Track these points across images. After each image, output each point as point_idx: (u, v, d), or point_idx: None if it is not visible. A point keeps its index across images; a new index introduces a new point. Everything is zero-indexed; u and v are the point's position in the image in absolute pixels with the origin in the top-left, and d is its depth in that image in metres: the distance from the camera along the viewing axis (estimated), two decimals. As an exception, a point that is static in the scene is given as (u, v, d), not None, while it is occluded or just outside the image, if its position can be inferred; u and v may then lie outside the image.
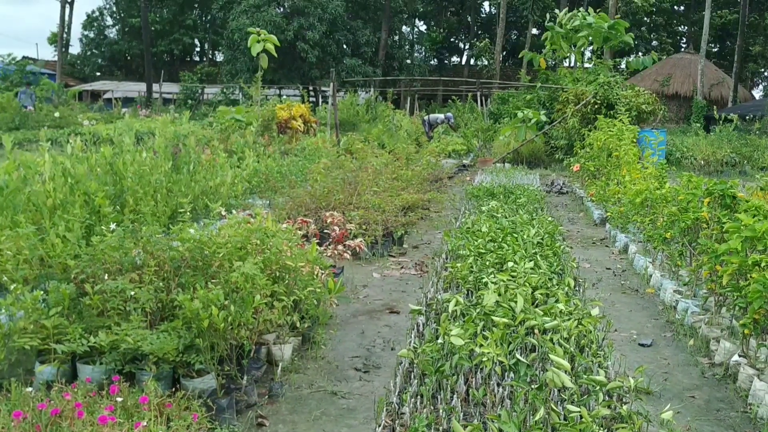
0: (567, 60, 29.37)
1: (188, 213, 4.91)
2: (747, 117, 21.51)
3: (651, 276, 6.72)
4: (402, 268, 7.17)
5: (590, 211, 10.83)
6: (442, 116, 22.76)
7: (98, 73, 49.68)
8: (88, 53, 49.58)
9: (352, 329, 5.28)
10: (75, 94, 32.32)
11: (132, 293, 3.83)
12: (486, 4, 52.84)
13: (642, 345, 5.06)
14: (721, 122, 19.62)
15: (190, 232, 4.39)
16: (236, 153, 12.04)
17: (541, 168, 17.58)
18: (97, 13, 49.51)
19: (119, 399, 3.26)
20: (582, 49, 20.65)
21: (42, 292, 3.81)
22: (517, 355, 3.82)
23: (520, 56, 22.12)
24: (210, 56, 53.00)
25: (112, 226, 4.43)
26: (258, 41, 16.53)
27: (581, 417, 3.06)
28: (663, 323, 5.59)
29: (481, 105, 27.75)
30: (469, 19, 51.75)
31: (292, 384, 4.23)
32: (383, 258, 7.51)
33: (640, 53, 42.63)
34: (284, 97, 26.74)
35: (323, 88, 34.70)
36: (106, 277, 3.94)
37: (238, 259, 4.27)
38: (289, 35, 31.33)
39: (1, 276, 4.42)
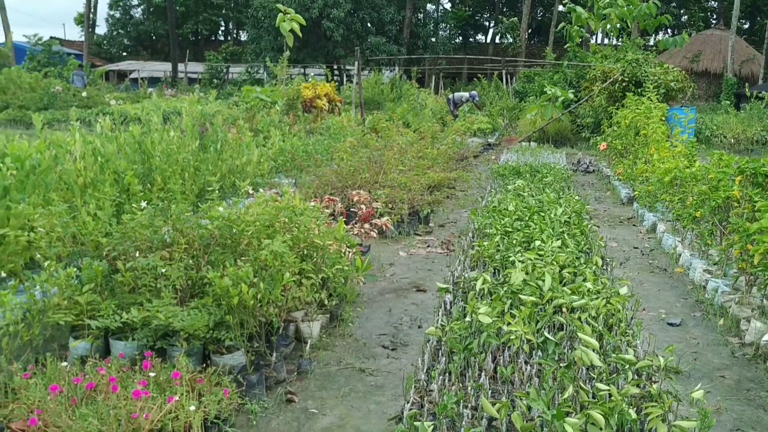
0: (595, 37, 28.95)
1: (216, 191, 4.93)
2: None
3: (680, 255, 6.66)
4: (428, 246, 7.17)
5: (617, 190, 10.74)
6: (467, 94, 22.58)
7: (124, 53, 49.95)
8: (114, 33, 49.81)
9: (380, 307, 5.30)
10: (102, 74, 32.53)
11: (163, 270, 3.87)
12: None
13: (671, 324, 5.02)
14: (752, 100, 19.27)
15: (219, 210, 4.42)
16: (262, 132, 12.08)
17: (568, 147, 17.45)
18: (123, -7, 49.65)
19: (152, 374, 3.31)
20: (612, 28, 20.32)
21: (75, 269, 3.86)
22: (546, 334, 3.82)
23: (558, 29, 21.63)
24: (234, 35, 53.02)
25: (143, 204, 4.48)
26: (284, 20, 16.49)
27: (610, 395, 3.05)
28: (692, 303, 5.54)
29: (507, 83, 27.50)
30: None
31: (320, 361, 4.27)
32: (409, 236, 7.51)
33: (669, 30, 41.99)
34: (310, 75, 26.71)
35: (348, 67, 34.62)
36: (137, 255, 3.99)
37: (266, 237, 4.30)
38: (314, 13, 31.19)
39: (35, 253, 4.50)
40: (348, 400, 3.79)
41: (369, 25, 34.70)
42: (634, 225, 8.57)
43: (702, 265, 6.03)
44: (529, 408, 3.27)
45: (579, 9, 20.89)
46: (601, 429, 2.84)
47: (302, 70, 33.96)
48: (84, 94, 24.10)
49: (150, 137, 6.91)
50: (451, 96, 22.64)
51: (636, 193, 9.30)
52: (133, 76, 40.02)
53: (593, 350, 3.54)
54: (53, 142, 6.18)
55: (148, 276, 3.84)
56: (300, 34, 17.00)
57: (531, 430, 2.88)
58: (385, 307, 5.31)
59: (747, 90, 21.03)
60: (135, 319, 3.60)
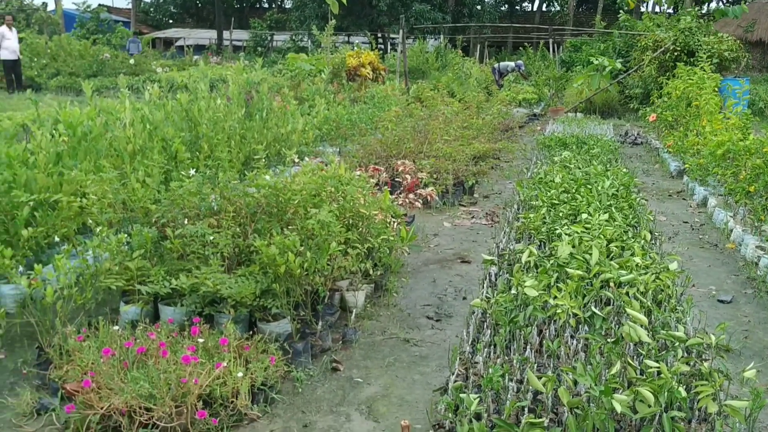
0: (647, 5, 28.19)
1: (263, 160, 4.96)
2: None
3: (731, 230, 6.50)
4: (473, 217, 7.13)
5: (666, 163, 10.51)
6: (512, 64, 22.26)
7: (170, 21, 50.26)
8: (161, 1, 50.12)
9: (424, 278, 5.30)
10: (148, 42, 32.82)
11: (211, 238, 3.91)
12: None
13: (721, 301, 4.93)
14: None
15: (266, 178, 4.44)
16: (307, 100, 12.08)
17: (615, 118, 17.10)
18: (170, -40, 49.83)
19: (200, 340, 3.36)
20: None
21: (126, 236, 3.92)
22: (593, 308, 3.77)
23: None
24: (279, 3, 52.93)
25: (192, 171, 4.52)
26: (330, -14, 16.37)
27: (659, 373, 3.01)
28: (743, 280, 5.42)
29: (553, 53, 26.99)
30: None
31: (365, 330, 4.29)
32: (454, 207, 7.47)
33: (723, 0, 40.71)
34: (354, 43, 26.57)
35: (392, 35, 34.32)
36: (185, 222, 4.03)
37: (312, 207, 4.31)
38: (359, -20, 30.93)
39: (87, 219, 4.59)
40: (392, 369, 3.81)
41: (414, -8, 34.30)
42: (683, 199, 8.39)
43: (755, 241, 5.88)
44: (576, 383, 3.25)
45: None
46: (649, 406, 2.81)
47: (347, 38, 33.84)
48: (132, 61, 24.38)
49: (197, 105, 6.96)
50: (496, 65, 22.35)
51: (686, 166, 9.09)
52: (179, 43, 40.30)
53: (642, 326, 3.50)
54: (103, 109, 6.26)
55: (197, 243, 3.88)
56: (345, 1, 16.88)
57: (578, 406, 2.86)
58: (430, 278, 5.30)
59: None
60: (184, 285, 3.66)
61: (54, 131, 5.52)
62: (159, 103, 6.52)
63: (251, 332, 3.79)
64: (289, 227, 4.22)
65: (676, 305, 4.09)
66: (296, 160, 5.90)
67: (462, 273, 5.46)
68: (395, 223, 5.05)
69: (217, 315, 3.93)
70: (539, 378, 3.07)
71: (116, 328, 3.56)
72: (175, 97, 6.73)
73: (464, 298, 4.89)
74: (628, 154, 11.66)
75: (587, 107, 17.49)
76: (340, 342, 4.08)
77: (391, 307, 4.69)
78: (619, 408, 2.73)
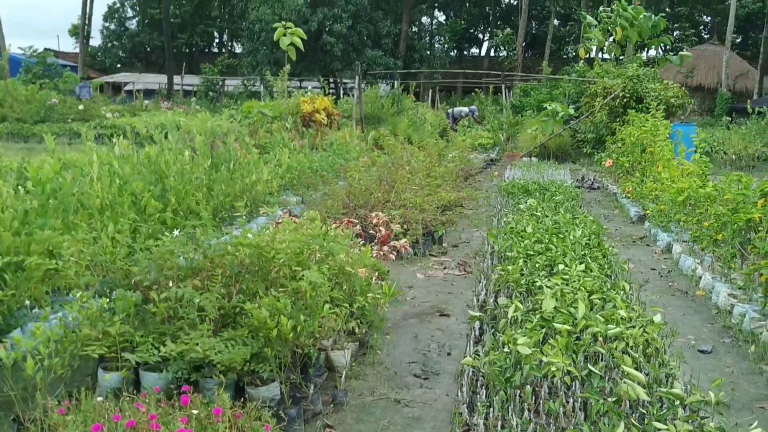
0: (595, 52, 29.01)
1: (243, 215, 4.86)
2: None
3: (700, 278, 6.61)
4: (445, 268, 7.10)
5: (626, 208, 10.71)
6: (466, 109, 22.66)
7: (119, 65, 49.89)
8: (109, 45, 49.82)
9: (405, 333, 5.23)
10: (97, 87, 32.40)
11: (197, 301, 3.78)
12: (506, -5, 52.45)
13: (702, 351, 4.97)
14: (754, 115, 19.30)
15: (249, 237, 4.34)
16: (266, 148, 11.99)
17: (569, 162, 17.46)
18: (118, 5, 49.65)
19: (195, 411, 3.22)
20: (620, 43, 20.35)
21: (107, 300, 3.77)
22: (590, 366, 3.75)
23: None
24: (230, 48, 53.03)
25: (176, 232, 4.40)
26: (284, 35, 16.43)
27: (668, 434, 2.98)
28: (719, 328, 5.49)
29: (505, 98, 27.56)
30: (488, 9, 51.45)
31: (353, 391, 4.19)
32: (425, 257, 7.44)
33: (662, 47, 42.19)
34: (308, 89, 26.67)
35: (344, 80, 34.61)
36: (170, 284, 3.90)
37: (296, 265, 4.23)
38: (313, 26, 31.20)
39: (57, 281, 4.41)
40: (387, 434, 3.71)
41: (366, 38, 34.74)
42: (647, 245, 8.53)
43: (726, 289, 5.98)
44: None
45: (589, 18, 20.88)
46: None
47: (299, 83, 33.98)
48: (81, 107, 23.99)
49: (164, 157, 6.83)
50: (450, 111, 22.68)
51: (648, 212, 9.27)
52: (128, 88, 39.94)
53: (638, 383, 3.49)
54: (68, 162, 6.10)
55: (185, 307, 3.75)
56: (302, 48, 16.95)
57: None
58: (411, 333, 5.23)
59: (748, 106, 21.03)
60: (173, 352, 3.51)
61: (19, 186, 5.33)
62: (127, 156, 6.37)
63: (242, 398, 3.65)
64: (275, 287, 4.12)
65: (665, 359, 4.11)
66: (261, 213, 5.82)
67: (442, 327, 5.40)
68: (374, 278, 4.98)
69: (203, 381, 3.79)
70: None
71: (100, 399, 3.39)
72: (141, 149, 6.60)
73: (449, 354, 4.83)
74: (587, 199, 11.85)
75: (542, 152, 17.82)
76: (331, 405, 3.96)
77: (376, 366, 4.59)
78: (635, 475, 2.69)
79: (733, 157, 16.56)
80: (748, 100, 26.91)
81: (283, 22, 16.72)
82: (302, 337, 3.79)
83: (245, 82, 35.80)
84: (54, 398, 3.36)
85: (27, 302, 4.28)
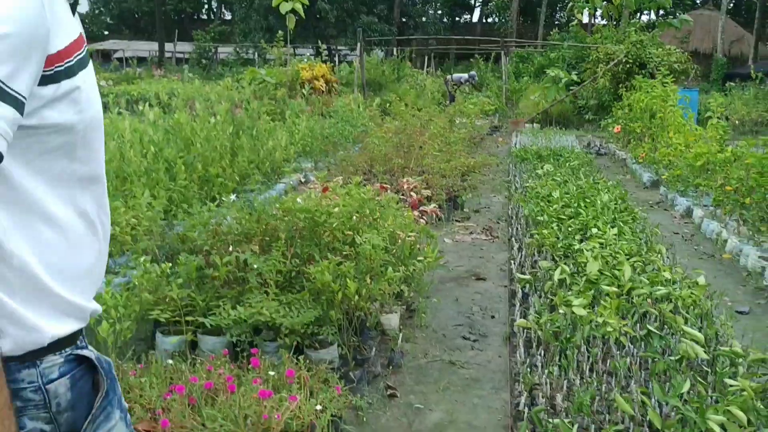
0: (592, 18, 28.93)
1: (291, 170, 4.87)
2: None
3: (725, 242, 6.68)
4: (471, 233, 7.14)
5: (637, 174, 10.76)
6: (465, 75, 22.52)
7: (106, 32, 49.20)
8: (96, 12, 49.04)
9: (446, 297, 5.28)
10: (90, 54, 31.95)
11: (258, 265, 3.80)
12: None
13: (740, 312, 5.05)
14: (757, 80, 19.32)
15: (299, 201, 4.35)
16: (274, 115, 11.93)
17: (572, 128, 17.45)
18: (105, -29, 48.84)
19: (271, 373, 3.25)
20: (613, 7, 20.33)
21: (169, 264, 3.79)
22: (649, 326, 3.81)
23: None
24: (220, 15, 52.38)
25: (232, 197, 4.40)
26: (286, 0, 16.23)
27: (743, 390, 3.04)
28: (752, 290, 5.58)
29: (504, 64, 27.43)
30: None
31: (407, 353, 4.24)
32: (449, 223, 7.47)
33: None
34: (305, 56, 26.47)
35: (339, 47, 34.33)
36: (230, 249, 3.92)
37: (348, 229, 4.25)
38: (307, -8, 30.80)
39: (120, 247, 4.42)
40: (449, 394, 3.76)
41: (360, 4, 34.40)
42: (665, 209, 8.59)
43: (755, 251, 6.06)
44: (643, 403, 3.27)
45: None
46: (741, 426, 2.84)
47: (293, 51, 33.66)
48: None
49: (191, 124, 6.81)
50: (449, 77, 22.56)
51: (664, 177, 9.32)
52: (117, 55, 39.45)
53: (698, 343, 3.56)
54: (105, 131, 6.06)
55: (248, 272, 3.77)
56: (303, 15, 16.77)
57: (673, 427, 2.87)
58: (452, 297, 5.28)
59: (752, 71, 21.01)
60: (243, 316, 3.54)
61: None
62: (159, 124, 6.33)
63: (304, 359, 3.69)
64: (328, 251, 4.14)
65: (717, 319, 4.18)
66: (302, 180, 5.82)
67: (481, 290, 5.46)
68: (421, 244, 5.01)
69: (262, 344, 3.82)
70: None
71: (170, 361, 3.42)
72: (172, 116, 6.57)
73: (493, 317, 4.89)
74: (596, 165, 11.88)
75: (544, 118, 17.81)
76: (388, 366, 4.02)
77: (424, 328, 4.64)
78: (717, 429, 2.76)
79: (736, 122, 16.61)
80: (751, 65, 26.92)
81: (284, -12, 16.53)
82: (363, 300, 3.83)
83: (237, 49, 35.41)
84: (124, 361, 3.39)
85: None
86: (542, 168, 9.06)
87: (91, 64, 1.24)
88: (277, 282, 4.01)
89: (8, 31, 0.98)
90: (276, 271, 4.01)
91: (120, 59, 37.07)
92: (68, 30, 1.15)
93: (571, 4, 20.42)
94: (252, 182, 6.54)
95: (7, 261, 1.09)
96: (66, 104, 1.13)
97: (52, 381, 1.17)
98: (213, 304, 3.80)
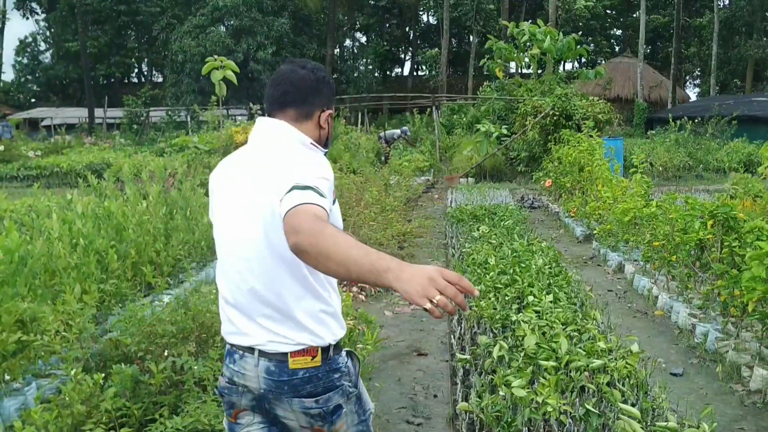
0: (516, 69, 29.87)
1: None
2: (695, 119, 22.08)
3: (656, 297, 6.87)
4: (410, 304, 7.14)
5: (570, 228, 11.03)
6: (398, 131, 22.82)
7: (33, 100, 48.38)
8: (22, 80, 48.26)
9: (387, 376, 5.26)
10: (15, 125, 31.29)
11: (196, 368, 3.74)
12: (425, 15, 53.29)
13: (674, 374, 5.18)
14: (676, 126, 20.13)
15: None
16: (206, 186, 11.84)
17: (505, 181, 17.84)
18: (30, 39, 48.23)
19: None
20: (532, 59, 21.05)
21: (101, 375, 3.69)
22: (587, 405, 3.87)
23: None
24: (150, 78, 52.13)
25: (165, 298, 4.33)
26: (217, 68, 16.27)
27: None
28: (684, 348, 5.73)
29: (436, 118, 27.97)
30: (408, 30, 52.22)
31: (351, 445, 4.19)
32: (389, 293, 7.49)
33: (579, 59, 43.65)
34: (237, 117, 26.50)
35: (272, 107, 34.42)
36: (165, 353, 3.84)
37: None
38: (239, 57, 31.03)
39: (32, 353, 4.28)
40: (395, 488, 3.73)
41: (291, 64, 34.69)
42: (598, 265, 8.81)
43: (684, 308, 6.24)
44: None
45: (501, 44, 21.64)
46: None
47: (226, 112, 33.66)
48: (1, 147, 23.15)
49: (122, 209, 6.70)
50: (383, 134, 22.84)
51: (595, 232, 9.57)
52: (45, 123, 38.76)
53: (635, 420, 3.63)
54: (27, 225, 5.93)
55: (188, 375, 3.70)
56: (236, 82, 16.82)
57: None
58: (393, 376, 5.27)
59: (671, 118, 21.87)
60: (180, 426, 3.46)
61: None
62: (88, 213, 6.21)
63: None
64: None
65: (652, 390, 4.27)
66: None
67: (423, 367, 5.46)
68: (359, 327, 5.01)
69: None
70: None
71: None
72: (102, 203, 6.45)
73: (435, 396, 4.90)
74: (530, 220, 12.13)
75: (477, 172, 18.16)
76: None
77: (367, 415, 4.60)
78: None
79: (660, 168, 17.24)
80: (669, 108, 28.03)
81: (215, 57, 16.59)
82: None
83: (170, 112, 35.21)
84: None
85: (8, 377, 4.13)
86: (478, 230, 9.20)
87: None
88: (215, 385, 3.95)
89: (330, 178, 2.01)
90: (213, 374, 3.95)
91: (48, 127, 36.41)
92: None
93: (488, 64, 21.14)
94: (187, 274, 6.43)
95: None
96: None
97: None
98: (150, 412, 3.71)
